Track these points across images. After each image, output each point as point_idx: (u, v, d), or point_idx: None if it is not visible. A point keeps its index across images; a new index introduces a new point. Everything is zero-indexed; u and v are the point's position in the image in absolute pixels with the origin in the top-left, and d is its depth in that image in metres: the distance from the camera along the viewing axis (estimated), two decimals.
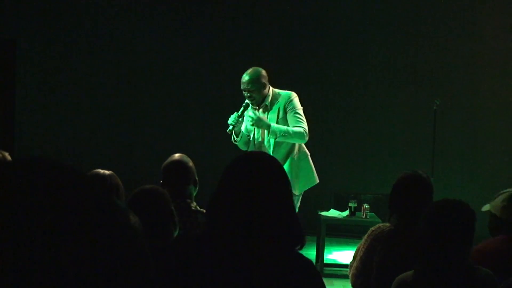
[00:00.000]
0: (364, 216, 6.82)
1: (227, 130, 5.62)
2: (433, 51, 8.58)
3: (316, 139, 8.85)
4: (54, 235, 0.86)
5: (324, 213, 7.02)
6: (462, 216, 2.74)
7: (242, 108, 5.61)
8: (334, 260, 7.49)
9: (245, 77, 5.57)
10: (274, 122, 5.54)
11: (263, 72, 5.63)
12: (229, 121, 5.60)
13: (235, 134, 5.67)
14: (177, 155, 4.11)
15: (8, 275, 0.84)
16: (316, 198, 8.48)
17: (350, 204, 6.90)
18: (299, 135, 5.50)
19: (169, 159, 4.11)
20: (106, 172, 3.67)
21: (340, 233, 8.25)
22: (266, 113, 5.59)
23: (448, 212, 2.75)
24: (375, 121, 8.68)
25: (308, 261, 2.03)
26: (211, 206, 2.04)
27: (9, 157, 3.89)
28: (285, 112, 5.54)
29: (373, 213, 7.04)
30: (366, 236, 3.58)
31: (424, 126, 8.28)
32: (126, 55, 8.91)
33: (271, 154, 5.32)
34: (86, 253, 0.88)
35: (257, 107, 5.62)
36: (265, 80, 5.59)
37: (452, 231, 2.71)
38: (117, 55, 8.92)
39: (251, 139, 5.66)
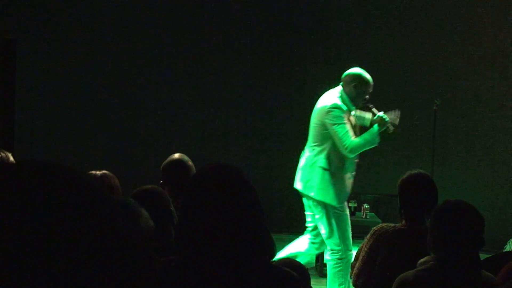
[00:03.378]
0: (364, 216, 6.83)
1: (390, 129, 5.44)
2: (433, 51, 8.58)
3: None
4: (56, 238, 0.86)
5: None
6: (474, 219, 2.74)
7: (373, 111, 5.52)
8: None
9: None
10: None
11: None
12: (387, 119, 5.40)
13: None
14: (176, 155, 4.13)
15: (9, 275, 0.84)
16: None
17: (350, 204, 6.88)
18: None
19: (169, 159, 4.13)
20: (98, 172, 3.60)
21: None
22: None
23: (460, 215, 2.75)
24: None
25: (286, 272, 1.95)
26: (181, 229, 1.95)
27: (11, 158, 3.88)
28: None
29: (373, 213, 7.04)
30: (368, 236, 3.57)
31: (424, 126, 8.28)
32: (126, 55, 8.90)
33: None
34: (89, 255, 0.87)
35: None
36: None
37: (464, 234, 2.71)
38: (117, 55, 8.92)
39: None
